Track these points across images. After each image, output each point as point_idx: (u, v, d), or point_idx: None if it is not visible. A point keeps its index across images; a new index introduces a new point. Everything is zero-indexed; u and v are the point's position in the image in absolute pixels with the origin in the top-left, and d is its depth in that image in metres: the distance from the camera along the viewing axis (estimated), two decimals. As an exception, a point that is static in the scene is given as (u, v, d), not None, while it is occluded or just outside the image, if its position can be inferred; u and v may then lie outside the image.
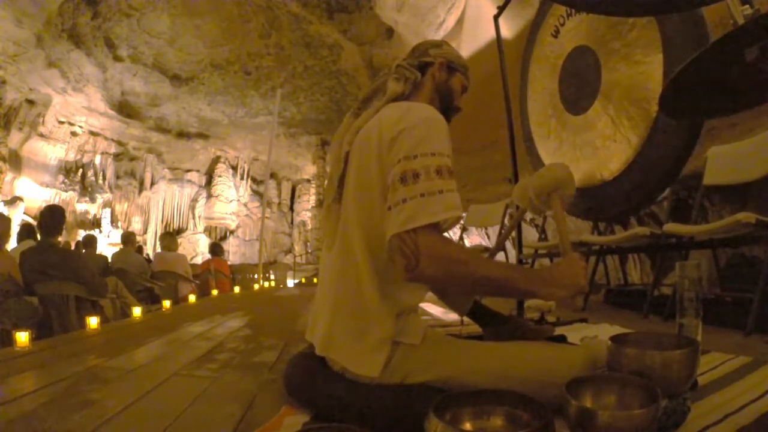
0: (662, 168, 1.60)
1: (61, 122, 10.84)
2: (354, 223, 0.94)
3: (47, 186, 10.80)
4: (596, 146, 1.85)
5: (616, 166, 1.92)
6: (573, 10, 2.01)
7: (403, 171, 0.82)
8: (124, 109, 11.02)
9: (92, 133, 11.59)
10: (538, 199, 1.08)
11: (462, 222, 5.72)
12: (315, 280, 8.97)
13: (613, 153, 1.81)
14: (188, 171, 13.55)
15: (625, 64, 1.73)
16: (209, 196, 13.54)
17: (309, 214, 13.44)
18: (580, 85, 1.96)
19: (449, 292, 1.29)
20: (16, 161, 9.98)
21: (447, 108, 1.11)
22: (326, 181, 1.11)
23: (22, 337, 1.73)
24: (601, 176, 1.76)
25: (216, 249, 6.11)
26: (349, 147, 0.97)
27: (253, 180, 14.32)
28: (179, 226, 12.91)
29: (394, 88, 1.02)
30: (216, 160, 13.62)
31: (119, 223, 12.10)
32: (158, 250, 10.56)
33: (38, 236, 2.89)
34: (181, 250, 7.70)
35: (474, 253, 0.86)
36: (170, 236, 5.23)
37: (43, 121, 10.29)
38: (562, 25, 2.10)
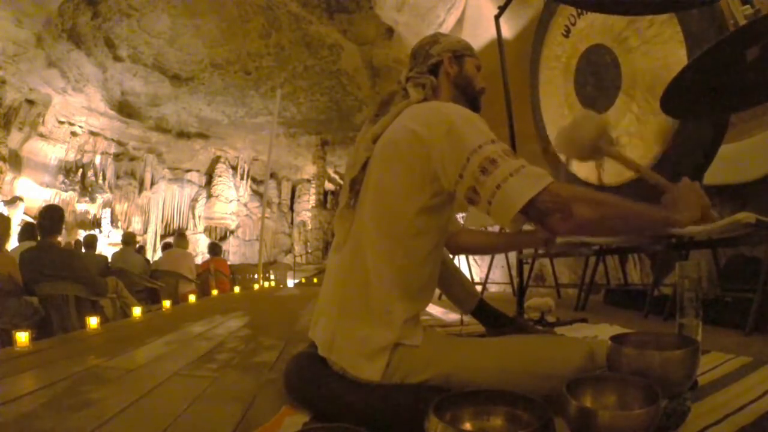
0: (692, 162, 1.59)
1: (61, 122, 10.83)
2: (371, 228, 0.93)
3: (47, 186, 10.79)
4: (622, 144, 1.84)
5: (645, 162, 1.92)
6: (584, 10, 2.01)
7: (479, 164, 0.81)
8: (124, 109, 11.00)
9: (92, 133, 11.58)
10: (586, 153, 1.11)
11: (461, 222, 5.72)
12: (315, 280, 8.97)
13: (640, 149, 1.80)
14: (188, 171, 13.53)
15: (646, 61, 1.73)
16: (209, 196, 13.53)
17: (309, 214, 13.42)
18: (598, 84, 1.95)
19: (594, 234, 1.32)
20: (16, 161, 9.97)
21: (472, 96, 1.10)
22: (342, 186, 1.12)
23: (22, 337, 1.73)
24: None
25: (215, 249, 6.14)
26: (368, 153, 0.96)
27: (253, 180, 14.31)
28: (179, 226, 12.90)
29: (416, 96, 1.01)
30: (216, 160, 13.61)
31: (119, 223, 12.09)
32: (159, 249, 10.60)
33: (38, 236, 2.89)
34: (181, 250, 7.77)
35: (598, 191, 0.86)
36: (182, 235, 5.50)
37: (43, 121, 10.28)
38: (573, 24, 2.10)
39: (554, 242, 1.20)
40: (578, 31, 2.07)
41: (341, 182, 13.14)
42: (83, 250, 4.79)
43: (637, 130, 1.76)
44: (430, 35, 1.15)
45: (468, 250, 1.42)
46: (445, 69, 1.08)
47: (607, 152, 1.10)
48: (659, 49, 1.65)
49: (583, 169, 2.06)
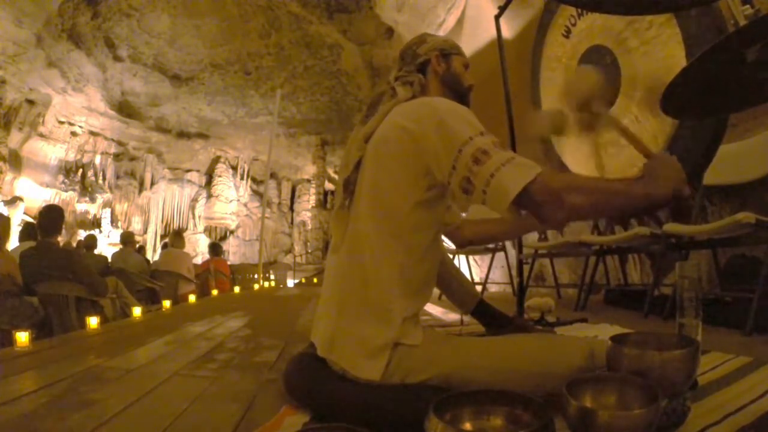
0: (691, 164, 1.59)
1: (61, 122, 10.83)
2: (368, 227, 0.94)
3: (47, 186, 10.79)
4: (621, 145, 1.84)
5: (638, 164, 1.91)
6: (584, 10, 2.01)
7: (471, 155, 0.82)
8: (124, 109, 11.01)
9: (92, 133, 11.58)
10: (576, 112, 1.10)
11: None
12: (315, 280, 8.97)
13: (635, 151, 1.81)
14: (188, 171, 13.53)
15: (645, 62, 1.73)
16: (209, 196, 13.53)
17: (309, 214, 13.42)
18: None
19: (584, 219, 1.33)
20: (16, 161, 9.97)
21: (461, 93, 1.11)
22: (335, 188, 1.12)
23: (22, 337, 1.73)
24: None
25: (216, 249, 6.14)
26: (361, 152, 0.97)
27: (253, 180, 14.31)
28: (179, 226, 12.90)
29: (404, 94, 1.02)
30: (216, 160, 13.61)
31: (119, 223, 12.10)
32: (159, 249, 10.60)
33: (38, 236, 2.89)
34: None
35: (586, 176, 0.86)
36: (178, 234, 5.45)
37: (43, 121, 10.28)
38: (574, 25, 2.09)
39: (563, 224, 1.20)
40: (578, 32, 2.07)
41: (341, 182, 12.94)
42: (84, 250, 4.79)
43: (636, 131, 1.76)
44: (418, 36, 1.16)
45: (474, 242, 1.43)
46: (433, 67, 1.09)
47: (596, 109, 1.09)
48: (659, 51, 1.65)
49: (585, 167, 2.05)
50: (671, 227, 2.12)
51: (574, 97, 1.10)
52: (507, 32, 3.54)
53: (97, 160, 11.94)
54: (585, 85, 1.09)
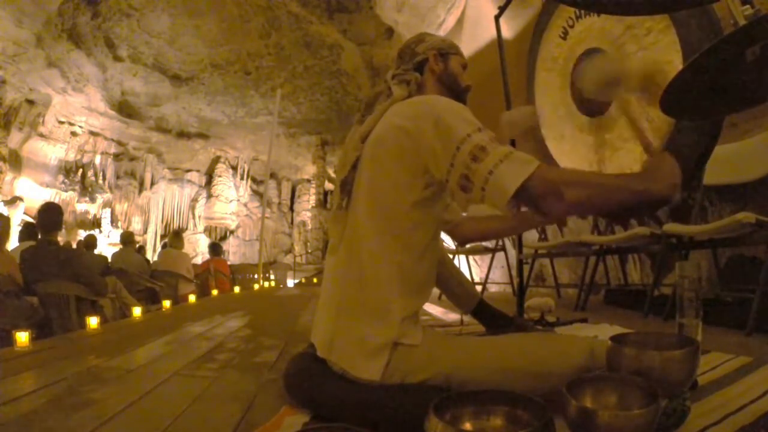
0: (686, 168, 1.60)
1: (61, 122, 10.82)
2: (367, 227, 0.94)
3: (47, 186, 10.79)
4: (616, 147, 1.84)
5: (638, 167, 1.91)
6: (582, 12, 2.01)
7: (469, 152, 0.82)
8: (124, 109, 11.00)
9: (92, 133, 11.57)
10: (594, 87, 1.12)
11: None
12: (315, 280, 8.97)
13: (634, 154, 1.81)
14: (188, 171, 13.53)
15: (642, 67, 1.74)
16: (209, 196, 13.53)
17: (309, 214, 13.42)
18: None
19: (583, 213, 1.35)
20: (16, 161, 9.97)
21: (458, 93, 1.11)
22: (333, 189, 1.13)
23: (22, 337, 1.73)
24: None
25: (216, 249, 6.14)
26: (358, 152, 0.97)
27: (253, 180, 14.30)
28: (179, 226, 12.90)
29: (400, 92, 1.02)
30: (216, 160, 13.61)
31: (119, 223, 12.09)
32: (159, 249, 10.60)
33: (38, 235, 2.89)
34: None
35: (584, 170, 0.87)
36: (177, 235, 5.40)
37: (43, 121, 10.27)
38: (571, 26, 2.10)
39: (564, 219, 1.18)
40: (576, 34, 2.07)
41: (341, 182, 12.93)
42: (84, 250, 4.79)
43: (631, 135, 1.77)
44: (416, 35, 1.16)
45: (475, 239, 1.42)
46: (431, 66, 1.09)
47: (614, 95, 1.10)
48: (656, 57, 1.65)
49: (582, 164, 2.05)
50: (671, 227, 2.12)
51: (591, 79, 1.12)
52: (507, 32, 3.54)
53: (97, 160, 11.94)
54: (603, 73, 1.11)
